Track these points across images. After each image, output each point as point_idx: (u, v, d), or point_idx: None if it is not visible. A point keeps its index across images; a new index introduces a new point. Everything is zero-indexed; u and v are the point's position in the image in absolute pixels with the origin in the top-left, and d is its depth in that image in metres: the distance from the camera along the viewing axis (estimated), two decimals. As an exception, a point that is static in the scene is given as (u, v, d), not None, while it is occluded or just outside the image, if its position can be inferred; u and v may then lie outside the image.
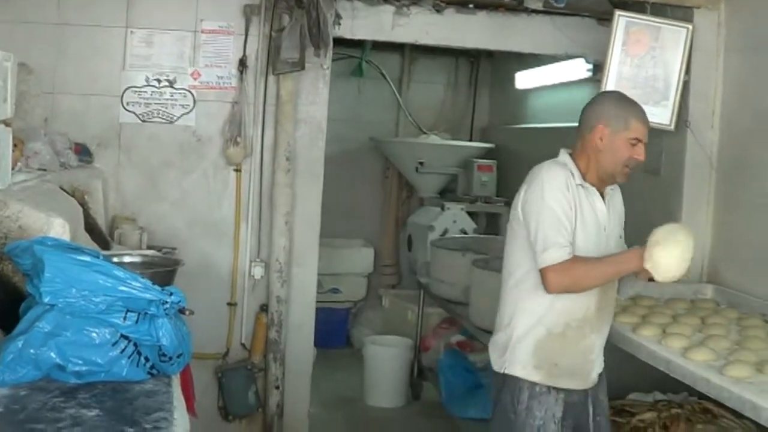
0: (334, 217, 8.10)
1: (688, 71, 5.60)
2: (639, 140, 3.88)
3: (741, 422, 4.73)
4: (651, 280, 3.76)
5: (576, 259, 3.74)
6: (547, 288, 3.77)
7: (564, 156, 3.99)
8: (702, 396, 4.00)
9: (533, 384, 3.88)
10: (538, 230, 3.77)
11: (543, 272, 3.75)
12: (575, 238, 3.80)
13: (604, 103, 4.02)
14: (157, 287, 3.08)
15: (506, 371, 3.92)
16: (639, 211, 6.18)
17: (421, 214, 9.02)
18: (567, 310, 3.87)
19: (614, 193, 4.11)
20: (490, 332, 5.29)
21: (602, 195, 3.98)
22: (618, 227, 4.10)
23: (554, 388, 3.89)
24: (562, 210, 3.77)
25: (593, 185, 3.93)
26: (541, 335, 3.87)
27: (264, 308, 6.12)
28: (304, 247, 6.21)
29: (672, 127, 5.60)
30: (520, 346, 3.90)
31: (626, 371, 4.89)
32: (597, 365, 4.05)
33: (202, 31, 5.97)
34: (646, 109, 5.58)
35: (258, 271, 6.09)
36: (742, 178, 5.43)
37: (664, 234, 3.67)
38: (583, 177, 3.91)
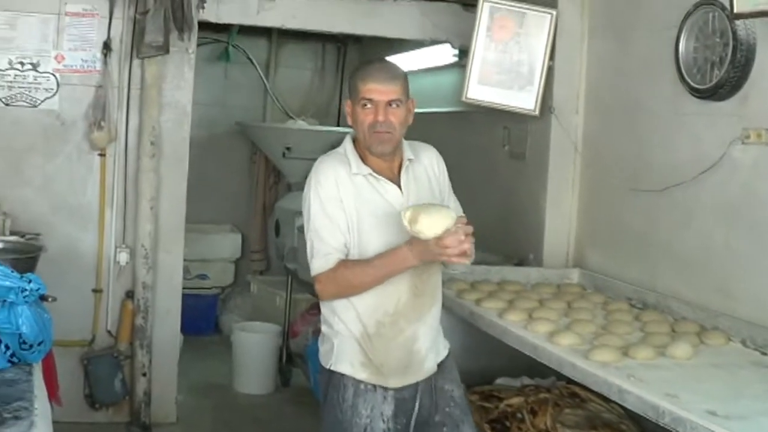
0: (201, 202, 8.05)
1: (552, 56, 5.69)
2: (371, 100, 3.56)
3: (609, 406, 4.79)
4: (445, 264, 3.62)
5: (343, 264, 3.54)
6: (319, 297, 3.66)
7: (346, 142, 3.74)
8: (570, 381, 4.07)
9: (358, 381, 3.65)
10: (307, 237, 3.63)
11: (313, 281, 3.61)
12: (364, 232, 3.57)
13: (351, 79, 3.75)
14: (15, 274, 3.04)
15: (332, 367, 3.69)
16: (505, 196, 6.32)
17: (289, 199, 8.99)
18: (375, 308, 3.62)
19: (414, 164, 3.75)
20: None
21: (399, 173, 3.69)
22: (429, 199, 3.69)
23: (381, 386, 3.66)
24: (325, 214, 3.56)
25: (375, 168, 3.64)
26: (359, 332, 3.63)
27: (130, 295, 6.06)
28: (169, 232, 6.18)
29: (537, 112, 5.69)
30: (345, 342, 3.66)
31: (493, 356, 4.95)
32: (431, 355, 3.77)
33: (67, 14, 5.88)
34: (511, 94, 5.78)
35: (123, 257, 6.02)
36: (606, 162, 5.55)
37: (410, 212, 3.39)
38: (365, 162, 3.65)
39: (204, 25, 6.19)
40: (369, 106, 3.58)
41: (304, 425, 6.54)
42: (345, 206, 3.57)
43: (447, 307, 4.88)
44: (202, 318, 8.79)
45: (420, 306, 3.70)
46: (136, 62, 5.93)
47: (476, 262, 4.43)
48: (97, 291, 6.07)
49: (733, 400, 3.25)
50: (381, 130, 3.58)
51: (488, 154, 6.61)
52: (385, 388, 3.66)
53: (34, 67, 5.84)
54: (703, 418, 2.96)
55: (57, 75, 5.87)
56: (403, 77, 3.68)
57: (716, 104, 4.53)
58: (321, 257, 3.55)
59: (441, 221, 3.33)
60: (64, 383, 4.92)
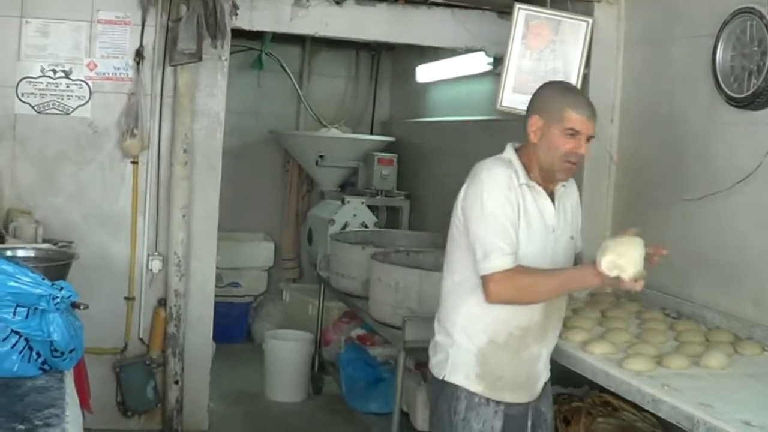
0: (234, 210, 8.09)
1: (588, 65, 5.65)
2: (576, 131, 3.57)
3: (642, 415, 4.77)
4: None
5: (522, 269, 3.49)
6: (488, 297, 3.51)
7: (509, 151, 3.69)
8: (603, 390, 4.04)
9: (472, 394, 3.63)
10: (478, 235, 3.51)
11: (484, 281, 3.49)
12: (519, 240, 3.54)
13: (540, 93, 3.74)
14: (47, 282, 3.04)
15: (446, 378, 3.67)
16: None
17: (322, 207, 9.00)
18: (509, 319, 3.61)
19: (567, 191, 3.79)
20: (390, 326, 5.35)
21: (552, 193, 3.70)
22: (570, 228, 3.79)
23: (494, 400, 3.65)
24: (503, 214, 3.50)
25: (539, 183, 3.64)
26: (482, 343, 3.62)
27: (162, 302, 6.07)
28: (202, 240, 6.17)
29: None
30: (462, 352, 3.64)
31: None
32: (543, 375, 3.83)
33: (99, 21, 5.88)
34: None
35: (156, 265, 6.03)
36: (642, 172, 5.50)
37: (610, 243, 3.42)
38: (528, 174, 3.62)
39: (237, 33, 6.21)
40: (573, 136, 3.58)
41: (336, 433, 6.56)
42: (513, 211, 3.55)
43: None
44: (234, 326, 8.80)
45: (547, 326, 3.72)
46: (168, 70, 5.93)
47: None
48: (129, 299, 6.07)
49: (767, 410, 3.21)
50: (574, 161, 3.61)
51: (522, 163, 6.56)
52: (498, 403, 3.66)
53: (67, 74, 5.85)
54: (738, 429, 2.95)
55: (89, 83, 5.89)
56: None
57: (753, 113, 4.49)
58: (499, 257, 3.47)
59: (637, 254, 3.36)
60: (96, 391, 4.94)
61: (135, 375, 6.05)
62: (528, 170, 3.63)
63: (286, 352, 7.30)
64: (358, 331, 6.69)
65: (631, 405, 4.57)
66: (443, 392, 3.68)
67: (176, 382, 6.08)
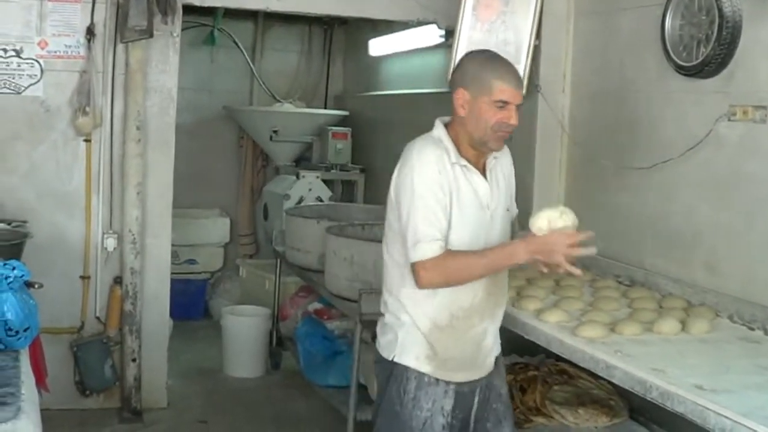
0: (189, 187, 8.06)
1: (538, 36, 5.67)
2: (506, 102, 3.50)
3: (597, 383, 4.83)
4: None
5: (449, 254, 3.44)
6: (418, 284, 3.47)
7: (439, 128, 3.60)
8: (559, 358, 4.08)
9: (422, 374, 3.59)
10: (408, 221, 3.44)
11: (414, 268, 3.44)
12: (452, 223, 3.48)
13: (465, 65, 3.64)
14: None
15: (395, 359, 3.62)
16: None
17: (277, 182, 9.00)
18: (450, 301, 3.56)
19: (498, 162, 3.71)
20: (346, 299, 5.37)
21: (483, 168, 3.63)
22: (504, 200, 3.72)
23: (444, 380, 3.61)
24: (434, 198, 3.43)
25: (469, 160, 3.56)
26: (427, 327, 3.57)
27: (118, 281, 6.05)
28: (157, 217, 6.16)
29: (523, 91, 5.65)
30: (411, 334, 3.59)
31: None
32: (493, 351, 3.78)
33: (49, 0, 5.82)
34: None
35: (111, 243, 6.01)
36: (593, 141, 5.54)
37: (544, 210, 3.47)
38: (459, 151, 3.54)
39: (188, 9, 6.18)
40: (503, 107, 3.51)
41: (295, 407, 6.57)
42: (444, 194, 3.48)
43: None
44: (191, 303, 8.78)
45: (492, 304, 3.68)
46: (120, 47, 5.90)
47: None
48: (84, 277, 6.05)
49: (720, 375, 3.26)
50: (505, 131, 3.54)
51: (476, 135, 6.59)
52: (447, 382, 3.63)
53: (18, 53, 5.79)
54: (690, 392, 2.99)
55: (41, 61, 5.84)
56: None
57: (702, 82, 4.53)
58: (427, 243, 3.41)
59: (561, 218, 3.41)
60: (54, 370, 4.92)
61: (92, 354, 6.03)
62: (458, 146, 3.56)
63: (243, 328, 7.30)
64: (315, 306, 6.70)
65: (586, 373, 4.63)
66: (392, 373, 3.65)
67: (134, 360, 6.07)
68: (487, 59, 3.63)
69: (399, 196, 3.51)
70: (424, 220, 3.42)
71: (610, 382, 3.83)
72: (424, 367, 3.60)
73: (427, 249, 3.41)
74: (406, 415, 3.60)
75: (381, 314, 3.75)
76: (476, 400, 3.73)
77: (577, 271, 3.37)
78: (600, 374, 3.54)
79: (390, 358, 3.64)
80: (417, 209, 3.43)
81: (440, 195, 3.45)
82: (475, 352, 3.68)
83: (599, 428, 4.58)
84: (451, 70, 3.80)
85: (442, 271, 3.44)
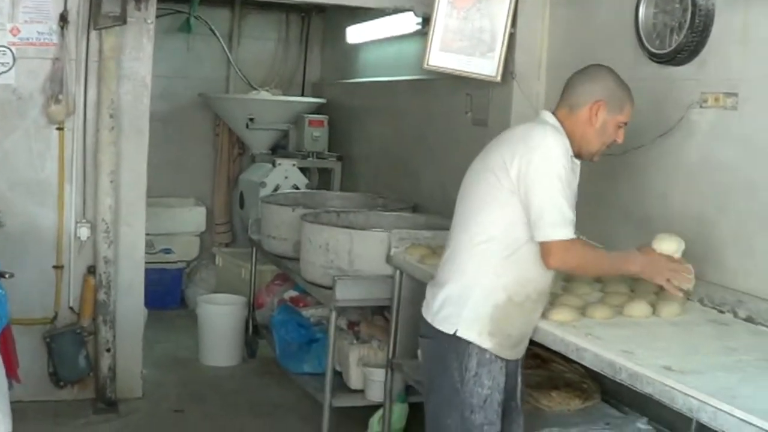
0: (164, 176, 8.06)
1: (514, 23, 5.66)
2: (625, 124, 3.76)
3: (570, 366, 4.85)
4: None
5: (580, 241, 3.61)
6: (549, 262, 3.55)
7: (555, 122, 3.74)
8: (532, 342, 4.09)
9: (483, 350, 3.62)
10: (548, 200, 3.49)
11: (552, 246, 3.51)
12: None
13: (605, 79, 3.78)
14: (-33, 250, 3.01)
15: (458, 333, 3.62)
16: (467, 162, 6.30)
17: (253, 170, 8.98)
18: (533, 282, 3.64)
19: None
20: (321, 286, 5.38)
21: None
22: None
23: (501, 357, 3.67)
24: (569, 186, 3.57)
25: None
26: (500, 301, 3.60)
27: (92, 270, 6.03)
28: (130, 206, 6.15)
29: (498, 78, 5.67)
30: (478, 308, 3.61)
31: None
32: None
33: (21, -14, 5.79)
34: (472, 60, 5.76)
35: (84, 232, 5.98)
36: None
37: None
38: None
39: (163, -5, 6.16)
40: (622, 127, 3.76)
41: (271, 395, 6.57)
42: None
43: (410, 273, 4.92)
44: (167, 292, 8.77)
45: (549, 292, 3.82)
46: (93, 34, 5.86)
47: (439, 227, 4.40)
48: (57, 267, 6.02)
49: (688, 356, 3.28)
50: (609, 147, 3.83)
51: (451, 121, 6.61)
52: (502, 359, 3.69)
53: (-11, 41, 5.76)
54: (659, 373, 3.00)
55: (12, 48, 5.79)
56: None
57: (675, 69, 4.55)
58: (567, 225, 3.51)
59: (677, 245, 3.85)
60: (28, 361, 4.91)
61: (66, 344, 6.00)
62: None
63: (219, 317, 7.30)
64: (291, 293, 6.69)
65: (559, 357, 4.64)
66: (454, 347, 3.65)
67: (108, 350, 6.06)
68: (620, 79, 3.82)
69: (531, 175, 3.52)
70: (567, 203, 3.53)
71: (582, 366, 3.85)
72: (486, 344, 3.63)
73: (569, 231, 3.52)
74: (466, 392, 3.65)
75: (438, 287, 3.76)
76: (519, 378, 3.96)
77: (678, 294, 3.79)
78: (571, 357, 3.55)
79: (452, 332, 3.64)
80: (559, 191, 3.51)
81: (573, 182, 3.64)
82: (529, 333, 3.76)
83: (572, 411, 4.60)
84: (579, 81, 3.85)
85: (581, 256, 3.61)
